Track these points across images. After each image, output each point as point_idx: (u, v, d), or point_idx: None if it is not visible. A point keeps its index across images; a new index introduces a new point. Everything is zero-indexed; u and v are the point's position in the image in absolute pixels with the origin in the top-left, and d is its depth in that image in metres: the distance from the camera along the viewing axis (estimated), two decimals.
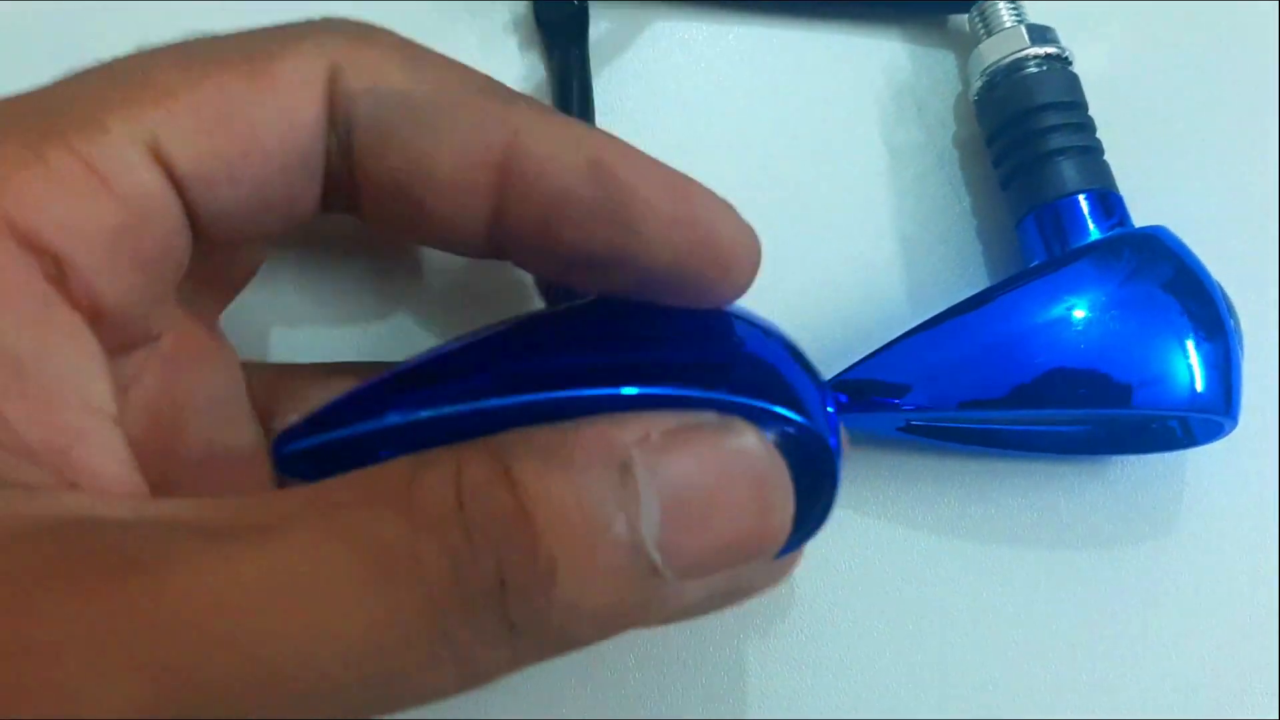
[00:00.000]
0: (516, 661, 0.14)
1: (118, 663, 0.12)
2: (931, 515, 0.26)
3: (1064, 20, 0.27)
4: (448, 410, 0.16)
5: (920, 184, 0.28)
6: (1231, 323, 0.23)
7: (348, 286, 0.25)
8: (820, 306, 0.27)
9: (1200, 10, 0.30)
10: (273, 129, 0.16)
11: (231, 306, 0.21)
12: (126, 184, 0.15)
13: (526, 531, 0.14)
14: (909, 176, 0.28)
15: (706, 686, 0.25)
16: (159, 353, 0.18)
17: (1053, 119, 0.25)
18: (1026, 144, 0.25)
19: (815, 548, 0.25)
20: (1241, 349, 0.23)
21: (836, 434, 0.18)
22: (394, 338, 0.25)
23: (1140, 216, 0.25)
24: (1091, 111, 0.26)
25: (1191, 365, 0.22)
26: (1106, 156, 0.26)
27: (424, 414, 0.16)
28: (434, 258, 0.26)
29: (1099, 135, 0.26)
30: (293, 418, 0.17)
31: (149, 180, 0.15)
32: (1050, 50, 0.26)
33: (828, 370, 0.24)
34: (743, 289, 0.17)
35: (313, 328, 0.25)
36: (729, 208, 0.17)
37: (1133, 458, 0.27)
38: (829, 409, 0.18)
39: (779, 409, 0.16)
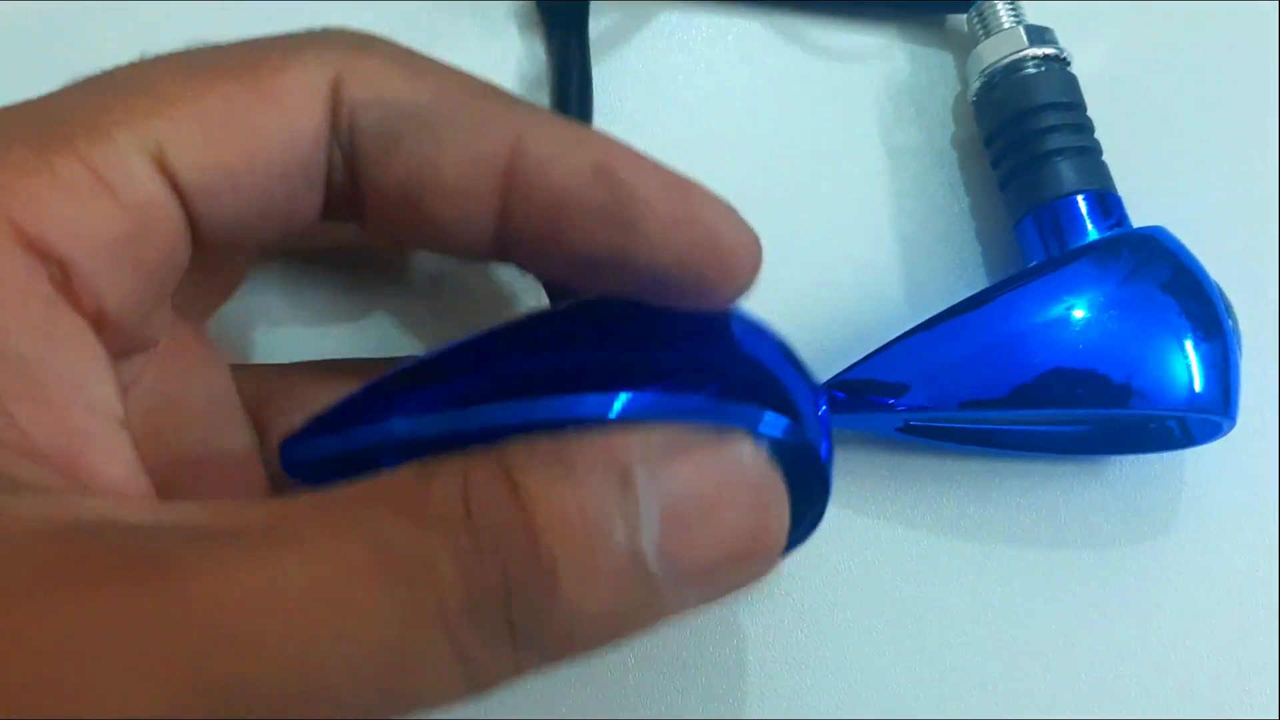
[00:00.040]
0: (519, 668, 0.15)
1: (149, 665, 0.12)
2: (930, 515, 0.26)
3: (1062, 21, 0.27)
4: (452, 424, 0.16)
5: (919, 184, 0.28)
6: (1230, 323, 0.23)
7: (332, 285, 0.25)
8: (819, 307, 0.27)
9: (1199, 10, 0.30)
10: (275, 139, 0.16)
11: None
12: (132, 192, 0.15)
13: (530, 539, 0.14)
14: (908, 177, 0.28)
15: (706, 686, 0.25)
16: (154, 357, 0.18)
17: (1051, 119, 0.25)
18: (1025, 144, 0.26)
19: (815, 548, 0.25)
20: (1240, 349, 0.23)
21: (828, 437, 0.18)
22: (379, 335, 0.25)
23: (1139, 217, 0.25)
24: (1090, 112, 0.26)
25: (1190, 365, 0.22)
26: (1105, 157, 0.26)
27: (429, 427, 0.16)
28: (420, 255, 0.26)
29: (1097, 136, 0.26)
30: (296, 418, 0.17)
31: (153, 189, 0.15)
32: (1049, 51, 0.26)
33: (826, 370, 0.24)
34: (744, 290, 0.17)
35: (296, 328, 0.25)
36: (730, 209, 0.17)
37: (1131, 458, 0.27)
38: (821, 410, 0.18)
39: (772, 418, 0.16)
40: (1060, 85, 0.26)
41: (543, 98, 0.27)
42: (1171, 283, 0.23)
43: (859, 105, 0.29)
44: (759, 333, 0.18)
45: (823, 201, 0.28)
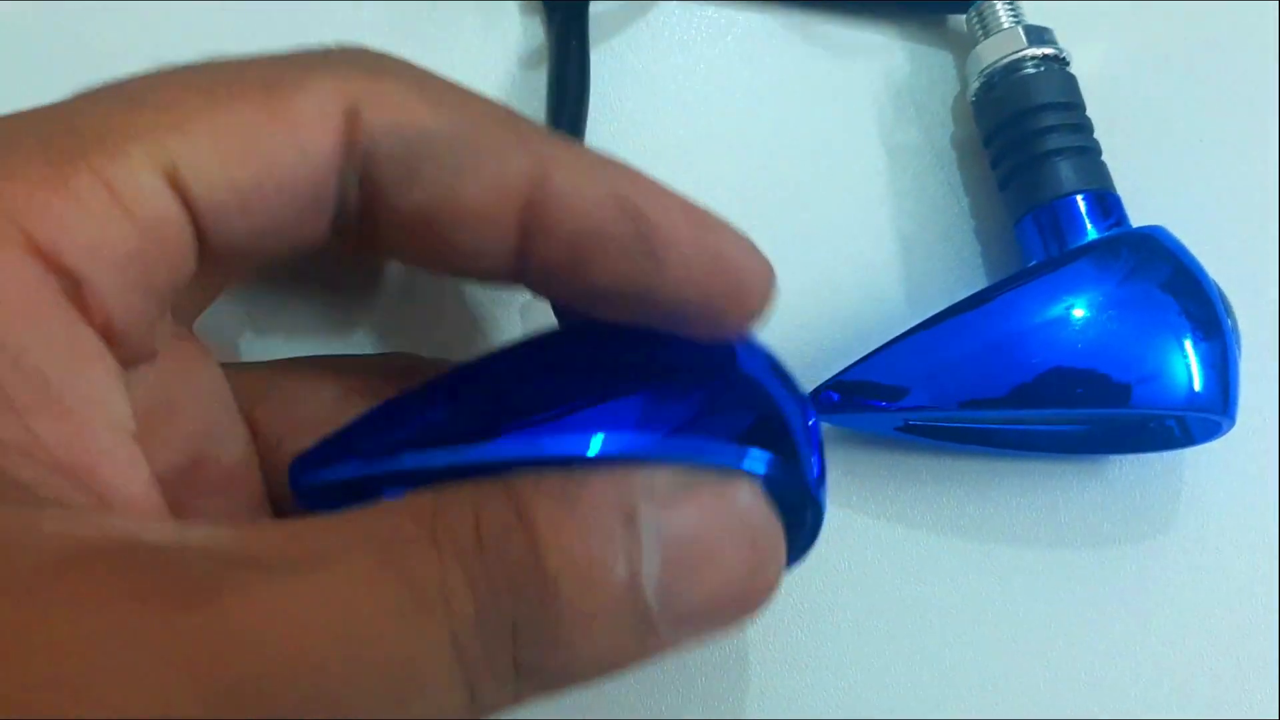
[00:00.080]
0: (519, 697, 0.15)
1: (184, 687, 0.12)
2: (930, 515, 0.26)
3: (1062, 21, 0.27)
4: (459, 458, 0.16)
5: (918, 184, 0.28)
6: (1229, 322, 0.23)
7: (319, 284, 0.25)
8: (819, 307, 0.27)
9: (1199, 10, 0.30)
10: (287, 161, 0.16)
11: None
12: (145, 208, 0.15)
13: (539, 575, 0.14)
14: (907, 177, 0.28)
15: (706, 686, 0.25)
16: (154, 364, 0.18)
17: (1050, 119, 0.25)
18: (1024, 144, 0.26)
19: (816, 548, 0.25)
20: (1239, 348, 0.23)
21: (819, 450, 0.18)
22: (369, 334, 0.26)
23: (1138, 216, 0.25)
24: (1089, 112, 0.26)
25: (1189, 364, 0.22)
26: (1104, 157, 0.26)
27: (437, 460, 0.16)
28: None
29: (1096, 136, 0.26)
30: (296, 426, 0.18)
31: (166, 205, 0.15)
32: (1048, 51, 0.26)
33: (826, 370, 0.24)
34: (757, 321, 0.17)
35: (281, 329, 0.25)
36: (747, 241, 0.17)
37: (1131, 457, 0.27)
38: (811, 422, 0.18)
39: (758, 454, 0.16)
40: (1059, 85, 0.26)
41: (537, 93, 0.28)
42: (1171, 282, 0.23)
43: (859, 105, 0.29)
44: (748, 347, 0.18)
45: (822, 201, 0.28)
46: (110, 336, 0.16)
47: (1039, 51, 0.26)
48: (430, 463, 0.16)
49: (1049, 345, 0.23)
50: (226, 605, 0.13)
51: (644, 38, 0.28)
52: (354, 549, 0.14)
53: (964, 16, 0.28)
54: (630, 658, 0.16)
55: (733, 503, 0.16)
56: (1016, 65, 0.26)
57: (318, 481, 0.17)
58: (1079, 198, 0.25)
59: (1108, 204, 0.25)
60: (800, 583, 0.25)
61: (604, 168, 0.17)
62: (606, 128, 0.27)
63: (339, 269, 0.25)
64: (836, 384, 0.24)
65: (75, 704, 0.12)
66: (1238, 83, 0.30)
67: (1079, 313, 0.23)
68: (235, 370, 0.20)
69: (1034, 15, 0.27)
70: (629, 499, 0.15)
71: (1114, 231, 0.25)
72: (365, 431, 0.17)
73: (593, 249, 0.16)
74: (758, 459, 0.16)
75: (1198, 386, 0.22)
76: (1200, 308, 0.23)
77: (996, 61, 0.26)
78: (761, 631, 0.25)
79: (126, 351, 0.16)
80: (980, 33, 0.27)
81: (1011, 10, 0.27)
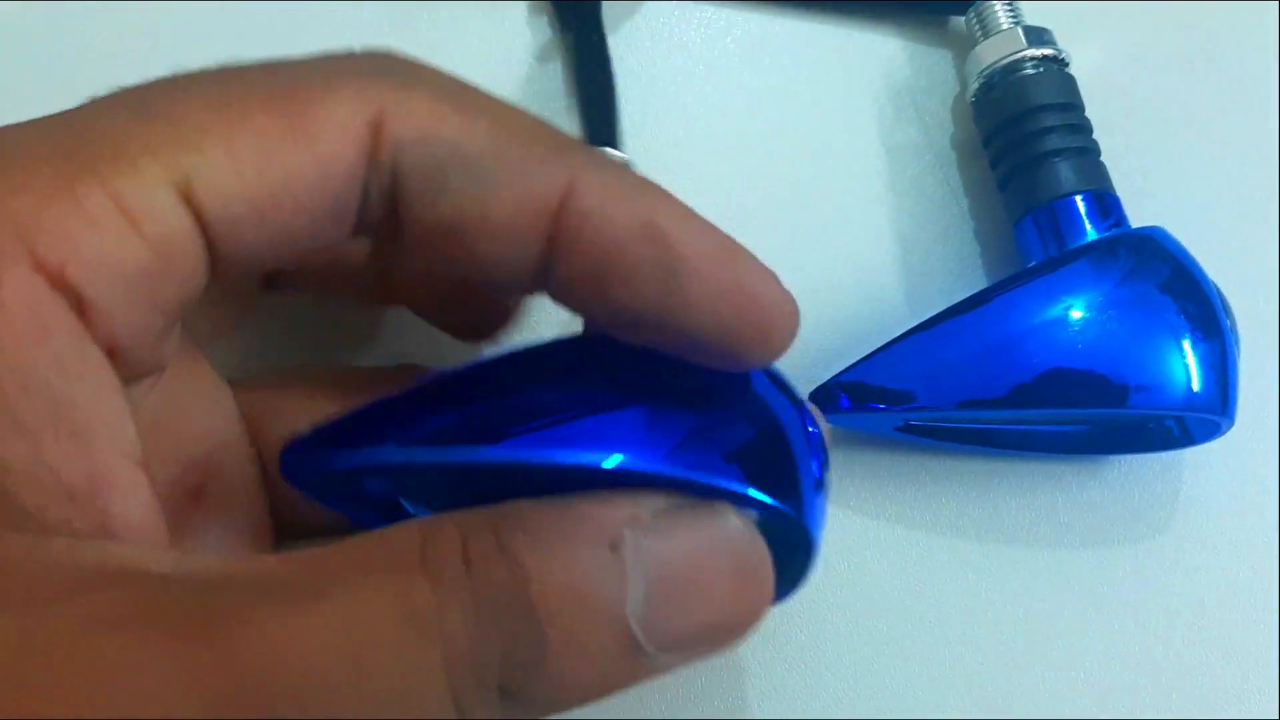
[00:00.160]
0: None
1: (194, 708, 0.13)
2: (930, 515, 0.26)
3: (1061, 22, 0.27)
4: (440, 458, 0.16)
5: (918, 185, 0.28)
6: (1228, 322, 0.23)
7: (332, 314, 0.25)
8: (819, 307, 0.27)
9: (1198, 11, 0.30)
10: (306, 175, 0.15)
11: None
12: (156, 226, 0.15)
13: (524, 604, 0.14)
14: (907, 177, 0.28)
15: (706, 686, 0.25)
16: (159, 379, 0.18)
17: (1049, 120, 0.25)
18: (1024, 145, 0.26)
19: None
20: (1238, 349, 0.23)
21: (819, 453, 0.18)
22: (373, 346, 0.26)
23: (1137, 217, 0.25)
24: (1088, 113, 0.26)
25: (1188, 365, 0.22)
26: (1103, 157, 0.26)
27: (418, 457, 0.16)
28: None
29: (1095, 136, 0.26)
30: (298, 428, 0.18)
31: (177, 223, 0.15)
32: (1047, 52, 0.26)
33: (825, 371, 0.24)
34: (777, 356, 0.17)
35: (289, 337, 0.25)
36: (773, 277, 0.17)
37: (1130, 457, 0.27)
38: (811, 430, 0.18)
39: (759, 495, 0.16)
40: (1058, 86, 0.26)
41: (553, 93, 0.28)
42: (1169, 283, 0.23)
43: (858, 105, 0.29)
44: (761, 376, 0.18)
45: (822, 201, 0.28)
46: (115, 353, 0.15)
47: (1038, 52, 0.26)
48: (412, 459, 0.16)
49: (1048, 346, 0.23)
50: (233, 633, 0.13)
51: (644, 39, 0.28)
52: (353, 578, 0.14)
53: (963, 17, 0.28)
54: (617, 684, 0.16)
55: (719, 531, 0.16)
56: (1016, 66, 0.26)
57: (301, 468, 0.17)
58: (1078, 198, 0.25)
59: (1107, 204, 0.25)
60: None
61: (633, 189, 0.16)
62: None
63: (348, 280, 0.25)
64: (836, 384, 0.24)
65: None
66: (1237, 83, 0.30)
67: (1078, 313, 0.23)
68: (242, 386, 0.20)
69: (1033, 16, 0.27)
70: (614, 528, 0.15)
71: (1113, 232, 0.25)
72: (355, 423, 0.17)
73: (616, 272, 0.16)
74: (764, 500, 0.16)
75: (1196, 387, 0.22)
76: (1199, 308, 0.23)
77: (996, 62, 0.26)
78: (762, 632, 0.25)
79: (132, 368, 0.16)
80: (979, 33, 0.27)
81: (1011, 11, 0.27)
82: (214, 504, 0.18)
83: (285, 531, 0.20)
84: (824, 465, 0.18)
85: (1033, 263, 0.25)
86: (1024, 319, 0.23)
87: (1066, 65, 0.26)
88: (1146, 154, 0.28)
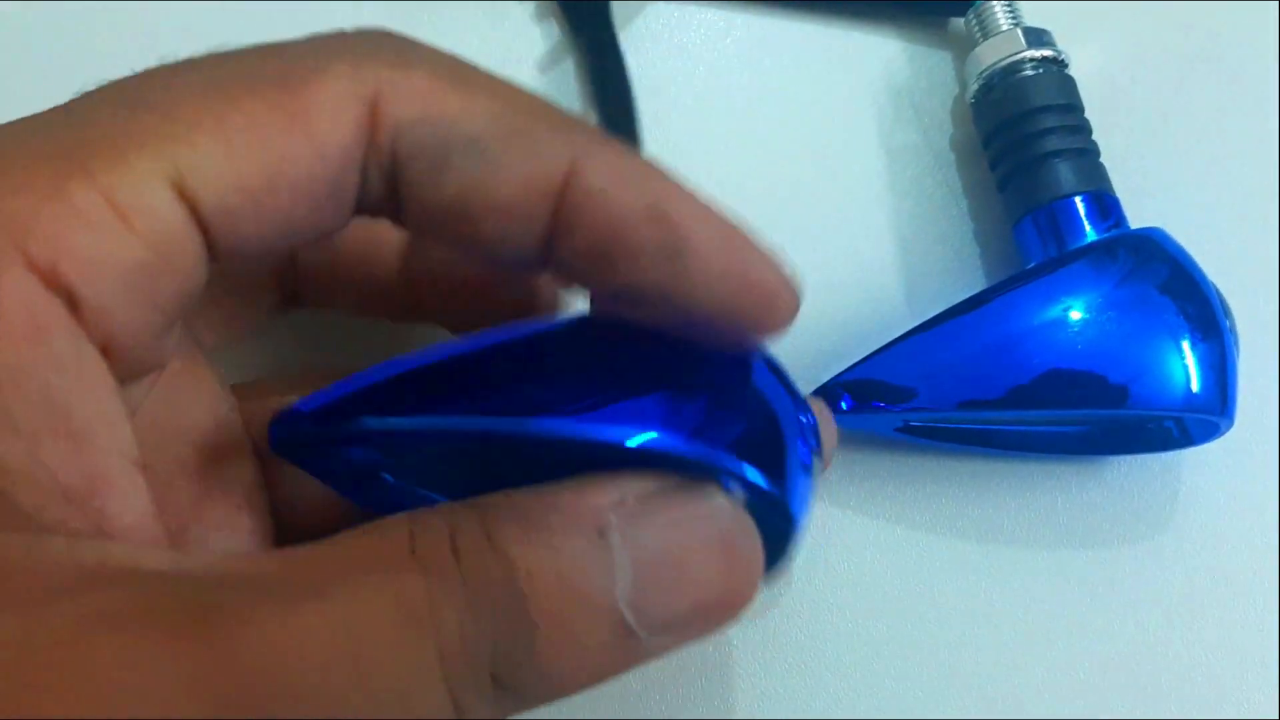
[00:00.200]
0: (499, 712, 0.15)
1: (192, 711, 0.13)
2: (929, 515, 0.26)
3: (1060, 23, 0.27)
4: (415, 426, 0.16)
5: (917, 186, 0.28)
6: (1227, 323, 0.23)
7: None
8: (818, 308, 0.27)
9: (1198, 11, 0.30)
10: (302, 162, 0.15)
11: None
12: (149, 221, 0.15)
13: (510, 596, 0.14)
14: (906, 178, 0.28)
15: (706, 686, 0.25)
16: (160, 381, 0.18)
17: (1049, 121, 0.25)
18: (1023, 146, 0.26)
19: (815, 548, 0.26)
20: (1237, 349, 0.23)
21: (808, 440, 0.18)
22: (376, 346, 0.26)
23: (1136, 218, 0.25)
24: (1088, 114, 0.26)
25: (1187, 366, 0.22)
26: (1102, 158, 0.26)
27: (395, 426, 0.16)
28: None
29: (1095, 137, 0.26)
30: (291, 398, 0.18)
31: (172, 217, 0.15)
32: (1046, 53, 0.26)
33: (825, 372, 0.24)
34: (778, 333, 0.17)
35: (291, 338, 0.25)
36: (776, 259, 0.17)
37: (1129, 458, 0.27)
38: (802, 418, 0.18)
39: (745, 472, 0.16)
40: (1058, 87, 0.26)
41: (562, 93, 0.28)
42: (1169, 284, 0.23)
43: (858, 106, 0.29)
44: (751, 351, 0.18)
45: (821, 202, 0.28)
46: (112, 352, 0.15)
47: (1038, 53, 0.26)
48: (389, 428, 0.16)
49: (1047, 347, 0.23)
50: (232, 633, 0.13)
51: (644, 41, 0.29)
52: (350, 574, 0.14)
53: (963, 19, 0.28)
54: (610, 670, 0.16)
55: (706, 512, 0.16)
56: (1015, 67, 0.26)
57: (287, 437, 0.17)
58: (1077, 199, 0.25)
59: (1106, 205, 0.25)
60: (800, 583, 0.25)
61: (638, 169, 0.16)
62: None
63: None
64: (836, 385, 0.24)
65: None
66: (1237, 84, 0.30)
67: (1077, 314, 0.23)
68: (243, 389, 0.20)
69: (1033, 17, 0.27)
70: (599, 514, 0.15)
71: (1112, 233, 0.25)
72: (341, 393, 0.17)
73: (620, 251, 0.16)
74: (749, 478, 0.16)
75: (1195, 387, 0.22)
76: (1198, 309, 0.23)
77: (995, 63, 0.26)
78: (762, 632, 0.25)
79: (130, 366, 0.16)
80: (979, 35, 0.27)
81: (1010, 12, 0.27)
82: (213, 505, 0.18)
83: (286, 533, 0.20)
84: (813, 452, 0.18)
85: (1032, 263, 0.25)
86: (1023, 320, 0.23)
87: (1066, 66, 0.26)
88: (1146, 155, 0.28)
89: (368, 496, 0.18)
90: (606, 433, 0.16)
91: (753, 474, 0.16)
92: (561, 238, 0.16)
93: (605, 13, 0.27)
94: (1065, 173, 0.25)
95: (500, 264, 0.18)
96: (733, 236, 0.16)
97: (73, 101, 0.16)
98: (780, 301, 0.17)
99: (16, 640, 0.13)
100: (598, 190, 0.16)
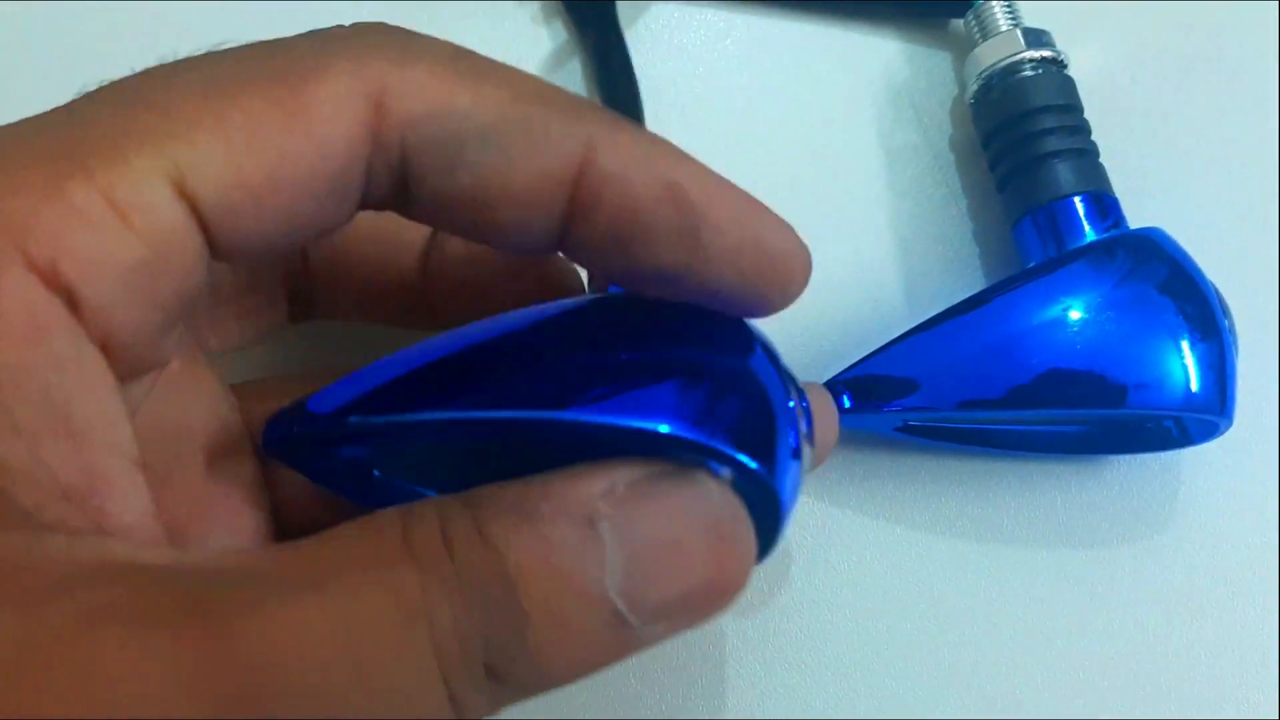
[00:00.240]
0: (495, 704, 0.15)
1: (192, 704, 0.13)
2: (929, 515, 0.26)
3: (1059, 23, 0.27)
4: (398, 421, 0.16)
5: (917, 186, 0.28)
6: (1226, 323, 0.23)
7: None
8: (818, 308, 0.27)
9: (1197, 11, 0.30)
10: (304, 158, 0.15)
11: None
12: (149, 220, 0.15)
13: (502, 587, 0.14)
14: (906, 178, 0.28)
15: (707, 686, 0.25)
16: (160, 381, 0.18)
17: (1048, 122, 0.25)
18: (1022, 146, 0.26)
19: (815, 548, 0.26)
20: (1236, 349, 0.23)
21: (797, 429, 0.18)
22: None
23: (1136, 218, 0.25)
24: (1087, 114, 0.26)
25: (1186, 365, 0.22)
26: (1102, 159, 0.26)
27: (378, 423, 0.16)
28: None
29: (1094, 138, 0.26)
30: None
31: (171, 215, 0.15)
32: (1046, 54, 0.26)
33: (824, 371, 0.24)
34: (792, 301, 0.18)
35: (294, 339, 0.25)
36: (790, 229, 0.17)
37: (1129, 457, 0.27)
38: (796, 404, 0.18)
39: (736, 456, 0.16)
40: (1057, 87, 0.26)
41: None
42: (1168, 283, 0.23)
43: (858, 107, 0.29)
44: (744, 333, 0.18)
45: (821, 202, 0.28)
46: (112, 350, 0.15)
47: (1037, 54, 0.26)
48: (371, 426, 0.16)
49: (1046, 347, 0.23)
50: (231, 628, 0.13)
51: (643, 42, 0.29)
52: (345, 569, 0.14)
53: (962, 19, 0.28)
54: (604, 658, 0.16)
55: (696, 498, 0.16)
56: (1015, 67, 0.26)
57: (280, 436, 0.17)
58: (1077, 199, 0.25)
59: (1105, 205, 0.25)
60: (800, 582, 0.25)
61: (651, 149, 0.16)
62: None
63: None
64: (836, 384, 0.24)
65: (79, 717, 0.12)
66: (1236, 84, 0.30)
67: (1076, 314, 0.23)
68: (245, 390, 0.20)
69: (1032, 18, 0.27)
70: (589, 503, 0.15)
71: (1112, 233, 0.25)
72: (332, 393, 0.17)
73: (637, 232, 0.16)
74: (739, 459, 0.16)
75: (1194, 387, 0.22)
76: (1197, 309, 0.23)
77: (995, 64, 0.26)
78: (762, 631, 0.25)
79: (130, 365, 0.16)
80: (978, 35, 0.27)
81: (1009, 13, 0.27)
82: (214, 505, 0.18)
83: (287, 533, 0.20)
84: (803, 437, 0.18)
85: (1032, 264, 0.25)
86: (1023, 320, 0.23)
87: (1065, 67, 0.26)
88: (1145, 155, 0.28)
89: (364, 496, 0.18)
90: (599, 419, 0.16)
91: (744, 458, 0.16)
92: (578, 222, 0.16)
93: (611, 12, 0.27)
94: (1064, 173, 0.25)
95: (514, 250, 0.18)
96: (749, 209, 0.17)
97: (73, 102, 0.16)
98: (797, 269, 0.17)
99: (17, 637, 0.13)
100: (613, 173, 0.16)
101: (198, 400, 0.18)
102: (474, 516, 0.15)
